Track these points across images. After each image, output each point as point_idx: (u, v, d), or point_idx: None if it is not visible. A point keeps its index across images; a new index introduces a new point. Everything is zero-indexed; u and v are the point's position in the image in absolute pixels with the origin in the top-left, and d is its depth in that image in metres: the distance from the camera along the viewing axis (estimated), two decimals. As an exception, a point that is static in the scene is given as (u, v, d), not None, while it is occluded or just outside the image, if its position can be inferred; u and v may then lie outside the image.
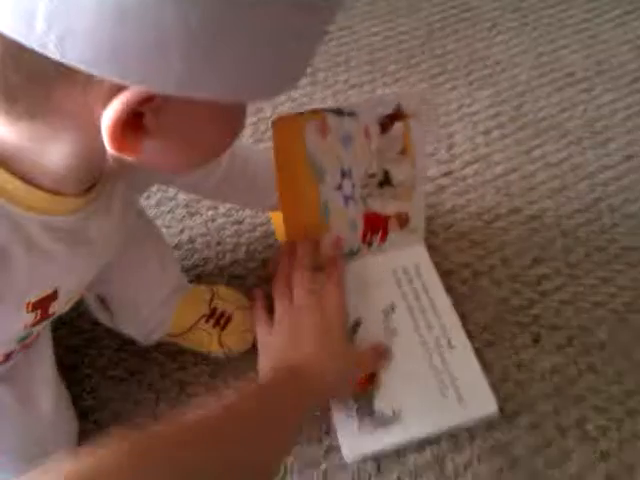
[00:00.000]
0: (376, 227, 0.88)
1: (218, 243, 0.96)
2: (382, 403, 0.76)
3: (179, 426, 0.52)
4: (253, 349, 0.80)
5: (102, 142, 0.41)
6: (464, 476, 0.74)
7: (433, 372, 0.78)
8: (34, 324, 0.58)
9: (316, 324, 0.74)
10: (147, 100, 0.38)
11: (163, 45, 0.34)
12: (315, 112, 0.75)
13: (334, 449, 0.75)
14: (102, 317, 0.82)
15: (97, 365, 0.83)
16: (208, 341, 0.82)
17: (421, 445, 0.76)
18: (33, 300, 0.55)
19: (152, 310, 0.80)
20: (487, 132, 1.13)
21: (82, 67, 0.34)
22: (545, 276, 0.92)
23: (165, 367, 0.83)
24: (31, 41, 0.33)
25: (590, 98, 1.20)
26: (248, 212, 0.99)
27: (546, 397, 0.80)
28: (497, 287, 0.91)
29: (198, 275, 0.91)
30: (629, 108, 1.17)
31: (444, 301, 0.85)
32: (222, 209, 0.99)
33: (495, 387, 0.78)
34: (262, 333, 0.79)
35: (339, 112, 0.76)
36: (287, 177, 0.76)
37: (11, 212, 0.47)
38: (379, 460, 0.75)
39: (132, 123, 0.39)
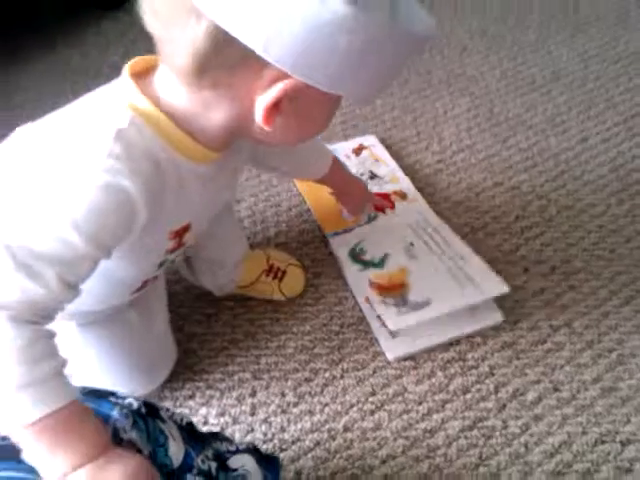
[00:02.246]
0: (384, 199, 1.18)
1: (262, 221, 1.18)
2: (414, 296, 0.98)
3: None
4: (303, 292, 1.06)
5: (250, 115, 0.57)
6: (482, 366, 0.95)
7: (452, 274, 1.00)
8: (172, 250, 0.73)
9: None
10: (296, 89, 0.53)
11: (331, 57, 0.51)
12: None
13: (379, 354, 0.97)
14: (185, 273, 1.03)
15: (180, 313, 1.03)
16: (270, 290, 1.04)
17: (445, 348, 0.98)
18: (175, 228, 0.68)
19: (228, 269, 1.01)
20: (469, 129, 1.39)
21: (277, 65, 0.51)
22: (527, 227, 1.16)
23: (235, 310, 1.04)
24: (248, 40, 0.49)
25: (548, 100, 1.47)
26: (284, 196, 1.22)
27: (539, 308, 1.03)
28: (491, 237, 1.14)
29: (251, 245, 1.12)
30: (580, 105, 1.44)
31: (454, 236, 1.08)
32: (261, 196, 1.22)
33: (497, 302, 1.01)
34: None
35: None
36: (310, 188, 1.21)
37: (177, 160, 0.61)
38: (415, 358, 0.96)
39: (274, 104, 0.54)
